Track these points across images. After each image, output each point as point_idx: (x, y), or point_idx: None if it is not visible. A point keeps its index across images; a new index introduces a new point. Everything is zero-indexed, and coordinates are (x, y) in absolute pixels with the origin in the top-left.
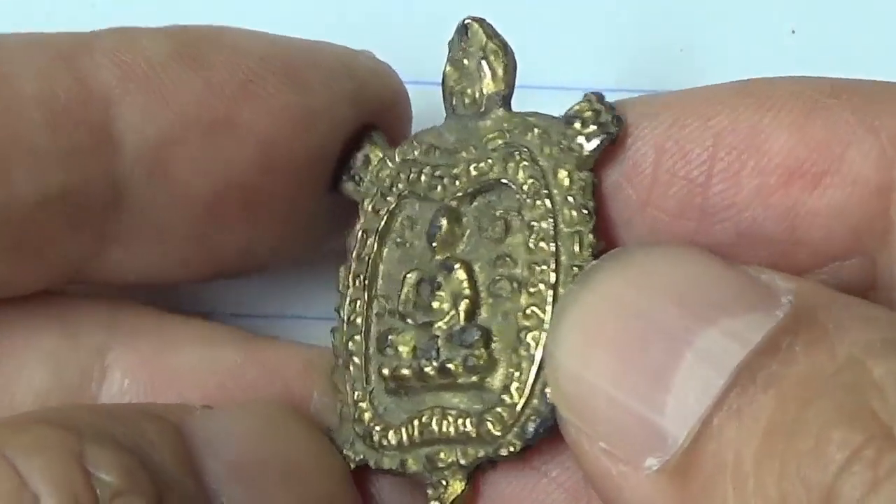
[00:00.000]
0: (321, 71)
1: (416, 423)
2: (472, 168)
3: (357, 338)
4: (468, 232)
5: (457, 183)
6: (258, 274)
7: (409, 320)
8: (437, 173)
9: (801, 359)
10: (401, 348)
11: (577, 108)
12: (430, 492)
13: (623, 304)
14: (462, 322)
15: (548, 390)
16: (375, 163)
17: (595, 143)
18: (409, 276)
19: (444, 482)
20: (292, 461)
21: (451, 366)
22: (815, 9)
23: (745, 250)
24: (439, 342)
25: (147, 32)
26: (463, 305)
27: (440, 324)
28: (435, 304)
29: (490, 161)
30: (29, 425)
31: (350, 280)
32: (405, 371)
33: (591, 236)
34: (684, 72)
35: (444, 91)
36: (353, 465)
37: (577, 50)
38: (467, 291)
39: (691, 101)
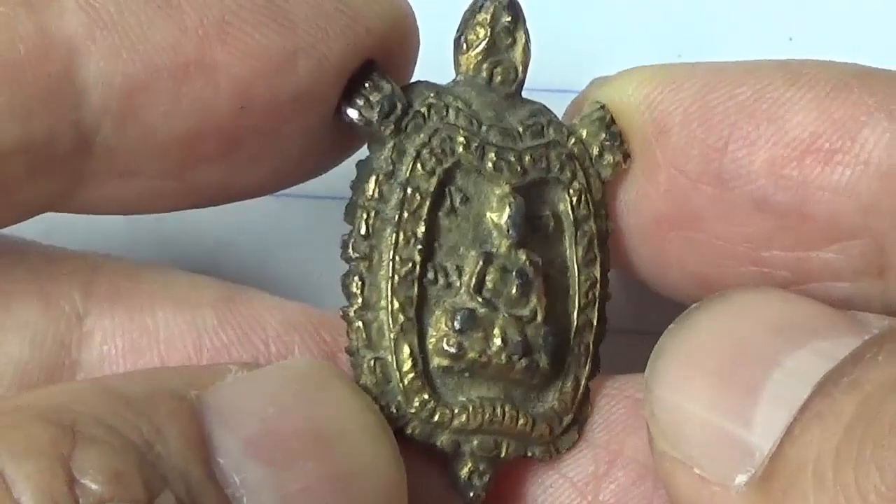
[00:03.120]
0: (307, 6)
1: (485, 409)
2: (532, 159)
3: (405, 298)
4: (532, 229)
5: (519, 170)
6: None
7: (499, 309)
8: (502, 155)
9: (883, 365)
10: (493, 336)
11: (595, 127)
12: (473, 478)
13: (721, 335)
14: (542, 323)
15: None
16: (406, 112)
17: (610, 172)
18: (490, 261)
19: (488, 471)
20: (329, 426)
21: (540, 366)
22: (813, 17)
23: (757, 221)
24: (528, 339)
25: None
26: (544, 307)
27: (533, 322)
28: (525, 301)
29: (548, 157)
30: (22, 421)
31: (391, 233)
32: (495, 359)
33: (609, 247)
34: None
35: (472, 58)
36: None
37: (575, 54)
38: (544, 293)
39: (722, 70)
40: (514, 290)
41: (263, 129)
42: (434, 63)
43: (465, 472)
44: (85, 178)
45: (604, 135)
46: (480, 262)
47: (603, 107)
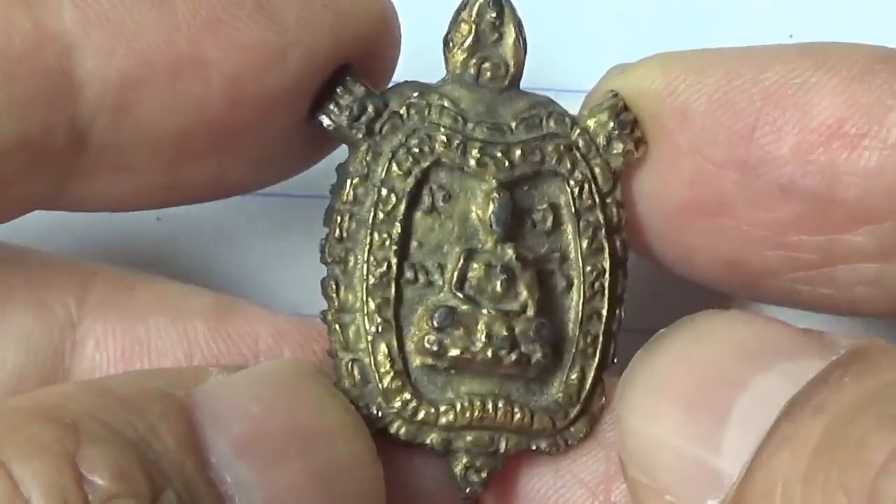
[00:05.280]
0: (295, 2)
1: (474, 405)
2: (523, 153)
3: (381, 300)
4: (526, 222)
5: (507, 164)
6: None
7: (483, 305)
8: (487, 150)
9: (849, 387)
10: (476, 332)
11: (604, 116)
12: (469, 474)
13: (688, 360)
14: (534, 317)
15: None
16: (380, 113)
17: (621, 161)
18: (473, 257)
19: (485, 466)
20: (310, 427)
21: (532, 359)
22: (813, 14)
23: (784, 206)
24: (517, 333)
25: None
26: (536, 300)
27: (523, 315)
28: (513, 296)
29: (542, 150)
30: (25, 421)
31: (366, 235)
32: (480, 355)
33: (625, 235)
34: None
35: (458, 55)
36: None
37: (576, 53)
38: (536, 286)
39: (746, 56)
40: (498, 286)
41: (253, 125)
42: (436, 63)
43: (459, 468)
44: (78, 174)
45: (612, 124)
46: (461, 259)
47: (616, 95)
